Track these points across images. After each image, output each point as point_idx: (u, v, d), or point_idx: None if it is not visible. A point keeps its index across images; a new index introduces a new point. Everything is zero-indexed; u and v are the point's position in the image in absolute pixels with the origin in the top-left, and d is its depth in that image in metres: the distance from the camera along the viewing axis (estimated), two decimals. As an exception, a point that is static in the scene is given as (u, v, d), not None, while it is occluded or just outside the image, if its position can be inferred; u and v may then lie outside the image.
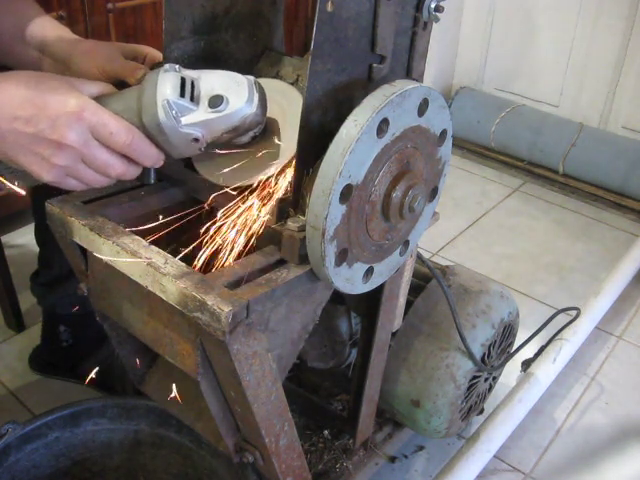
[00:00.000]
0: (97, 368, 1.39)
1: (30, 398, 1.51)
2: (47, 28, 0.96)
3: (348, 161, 0.68)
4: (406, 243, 0.86)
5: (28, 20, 0.95)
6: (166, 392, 0.94)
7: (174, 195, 0.88)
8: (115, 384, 1.43)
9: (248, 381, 0.76)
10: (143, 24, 2.00)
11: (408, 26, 0.78)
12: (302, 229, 0.73)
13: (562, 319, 1.63)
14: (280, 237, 0.75)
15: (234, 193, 0.79)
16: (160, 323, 0.80)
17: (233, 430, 0.92)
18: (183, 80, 0.74)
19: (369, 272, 0.81)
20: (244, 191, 0.79)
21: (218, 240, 0.77)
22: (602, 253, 2.20)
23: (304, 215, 0.73)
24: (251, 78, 0.77)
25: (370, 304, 1.02)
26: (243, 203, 0.77)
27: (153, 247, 0.75)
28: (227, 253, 0.77)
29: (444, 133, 0.82)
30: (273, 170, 0.78)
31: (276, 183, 0.78)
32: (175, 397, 0.92)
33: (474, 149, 2.76)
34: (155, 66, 0.89)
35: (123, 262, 0.74)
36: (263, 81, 0.81)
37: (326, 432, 1.31)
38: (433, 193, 0.87)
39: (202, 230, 0.78)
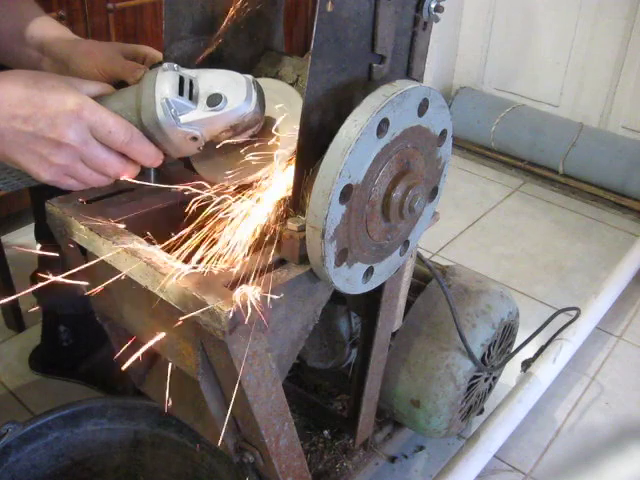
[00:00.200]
0: (97, 368, 1.39)
1: (30, 398, 1.51)
2: (47, 28, 0.96)
3: (348, 161, 0.68)
4: (406, 243, 0.86)
5: (28, 20, 0.95)
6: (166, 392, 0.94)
7: (174, 195, 0.88)
8: (115, 384, 1.43)
9: (248, 381, 0.76)
10: (143, 24, 2.00)
11: (408, 26, 0.78)
12: (302, 229, 0.72)
13: (562, 319, 1.63)
14: (280, 237, 0.75)
15: (232, 192, 0.79)
16: (160, 323, 0.80)
17: (233, 430, 0.92)
18: (182, 79, 0.74)
19: (369, 272, 0.81)
20: (243, 190, 0.79)
21: (218, 240, 0.77)
22: (602, 253, 2.19)
23: (304, 215, 0.73)
24: (249, 77, 0.77)
25: (370, 304, 1.02)
26: (242, 202, 0.77)
27: (153, 247, 0.75)
28: (227, 253, 0.77)
29: (444, 133, 0.82)
30: (271, 169, 0.78)
31: (276, 183, 0.78)
32: (175, 397, 0.92)
33: (474, 149, 2.76)
34: (154, 66, 0.89)
35: (123, 262, 0.74)
36: (261, 81, 0.81)
37: (326, 432, 1.32)
38: (433, 193, 0.87)
39: (202, 230, 0.78)
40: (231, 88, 0.75)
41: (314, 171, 0.72)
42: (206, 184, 0.79)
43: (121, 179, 0.77)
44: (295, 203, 0.74)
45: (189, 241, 0.77)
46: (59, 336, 1.49)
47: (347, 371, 1.26)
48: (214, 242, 0.77)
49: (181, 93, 0.73)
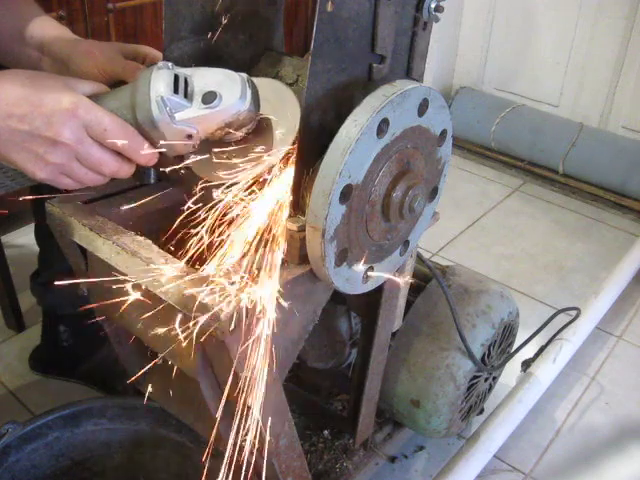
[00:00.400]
0: (97, 368, 1.39)
1: (30, 398, 1.51)
2: (47, 28, 0.96)
3: (348, 161, 0.68)
4: (406, 243, 0.86)
5: (28, 20, 0.95)
6: (166, 392, 0.94)
7: (174, 195, 0.88)
8: (115, 384, 1.43)
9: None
10: (143, 24, 2.00)
11: (408, 26, 0.78)
12: (302, 229, 0.72)
13: (562, 319, 1.63)
14: (280, 237, 0.75)
15: (230, 191, 0.79)
16: (160, 323, 0.80)
17: (233, 430, 0.92)
18: (176, 77, 0.74)
19: (369, 272, 0.81)
20: (242, 190, 0.79)
21: (218, 240, 0.77)
22: (602, 253, 2.19)
23: (304, 215, 0.73)
24: (244, 75, 0.77)
25: (370, 304, 1.02)
26: (241, 201, 0.77)
27: (153, 247, 0.75)
28: (227, 253, 0.76)
29: (444, 133, 0.82)
30: (266, 167, 0.78)
31: (275, 182, 0.78)
32: (175, 397, 0.92)
33: (474, 149, 2.76)
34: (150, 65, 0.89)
35: (123, 262, 0.74)
36: (256, 80, 0.81)
37: (326, 432, 1.32)
38: (433, 193, 0.87)
39: (202, 230, 0.77)
40: (226, 86, 0.75)
41: (314, 171, 0.72)
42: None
43: (117, 178, 0.77)
44: (295, 203, 0.74)
45: (189, 241, 0.77)
46: (59, 336, 1.49)
47: (347, 371, 1.26)
48: (214, 242, 0.77)
49: (176, 91, 0.73)
